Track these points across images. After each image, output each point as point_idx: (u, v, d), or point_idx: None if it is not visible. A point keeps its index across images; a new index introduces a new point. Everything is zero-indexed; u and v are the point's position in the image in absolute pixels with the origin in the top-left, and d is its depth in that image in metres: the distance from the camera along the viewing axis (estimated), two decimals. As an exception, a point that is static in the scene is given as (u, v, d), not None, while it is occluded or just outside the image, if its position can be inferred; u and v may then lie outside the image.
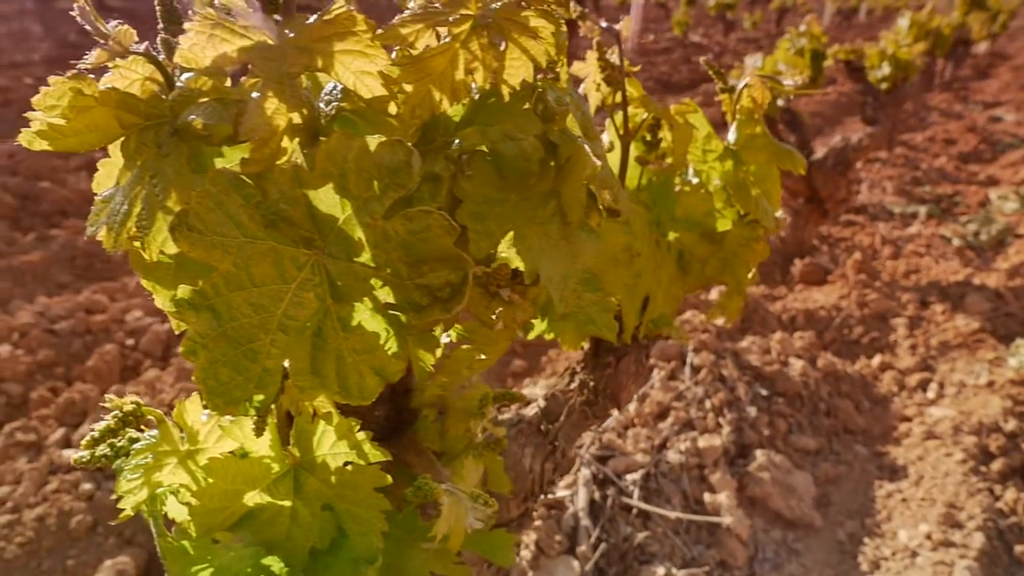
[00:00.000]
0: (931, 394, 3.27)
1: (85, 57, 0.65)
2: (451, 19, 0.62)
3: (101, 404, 2.31)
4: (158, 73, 0.70)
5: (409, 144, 0.60)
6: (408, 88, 0.63)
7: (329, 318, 0.65)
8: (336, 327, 0.66)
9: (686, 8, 14.60)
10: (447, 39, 0.63)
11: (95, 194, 0.73)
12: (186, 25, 0.59)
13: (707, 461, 2.60)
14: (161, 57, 0.69)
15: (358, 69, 0.62)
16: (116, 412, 0.74)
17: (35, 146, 0.65)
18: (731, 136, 1.47)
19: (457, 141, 0.65)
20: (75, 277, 3.88)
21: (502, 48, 0.63)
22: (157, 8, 0.67)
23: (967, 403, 3.14)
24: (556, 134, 0.65)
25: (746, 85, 1.46)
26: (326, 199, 0.61)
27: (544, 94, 0.65)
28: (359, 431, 0.75)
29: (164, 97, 0.67)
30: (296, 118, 0.61)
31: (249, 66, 0.61)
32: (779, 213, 1.49)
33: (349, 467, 0.76)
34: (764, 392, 3.05)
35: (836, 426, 3.06)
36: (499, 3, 0.63)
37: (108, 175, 0.74)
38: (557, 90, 0.66)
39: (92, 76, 0.66)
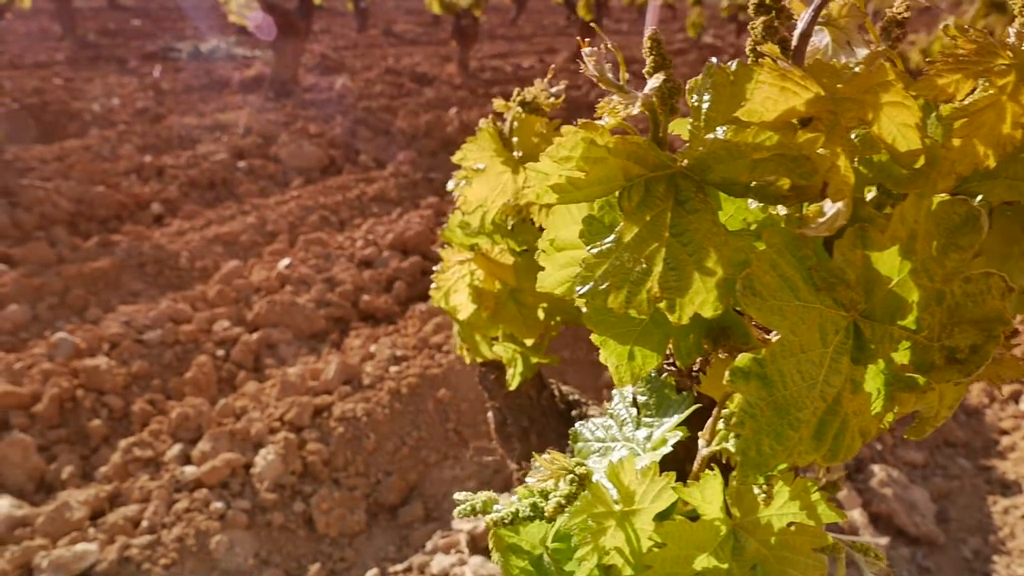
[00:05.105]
0: (1024, 406, 3.26)
1: (599, 105, 0.61)
2: (993, 69, 0.59)
3: (217, 421, 2.26)
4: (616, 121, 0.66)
5: (973, 203, 0.57)
6: (956, 142, 0.60)
7: (845, 381, 0.62)
8: (848, 390, 0.62)
9: (699, 10, 14.61)
10: (987, 90, 0.60)
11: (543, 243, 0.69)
12: (760, 77, 0.56)
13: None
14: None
15: (901, 122, 0.59)
16: (571, 475, 0.70)
17: (543, 199, 0.61)
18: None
19: (979, 196, 0.62)
20: (147, 284, 3.82)
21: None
22: (648, 56, 0.63)
23: (1065, 416, 3.13)
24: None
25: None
26: (887, 261, 0.58)
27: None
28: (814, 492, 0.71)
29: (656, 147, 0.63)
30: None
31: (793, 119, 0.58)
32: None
33: (792, 528, 0.73)
34: (866, 405, 3.03)
35: (937, 438, 3.04)
36: (1046, 53, 0.60)
37: (564, 223, 0.70)
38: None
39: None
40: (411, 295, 3.85)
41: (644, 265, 0.61)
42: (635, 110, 0.61)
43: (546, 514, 0.68)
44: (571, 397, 1.57)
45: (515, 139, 1.26)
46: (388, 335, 3.36)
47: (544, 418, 1.50)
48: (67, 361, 2.89)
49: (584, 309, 0.72)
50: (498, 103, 1.29)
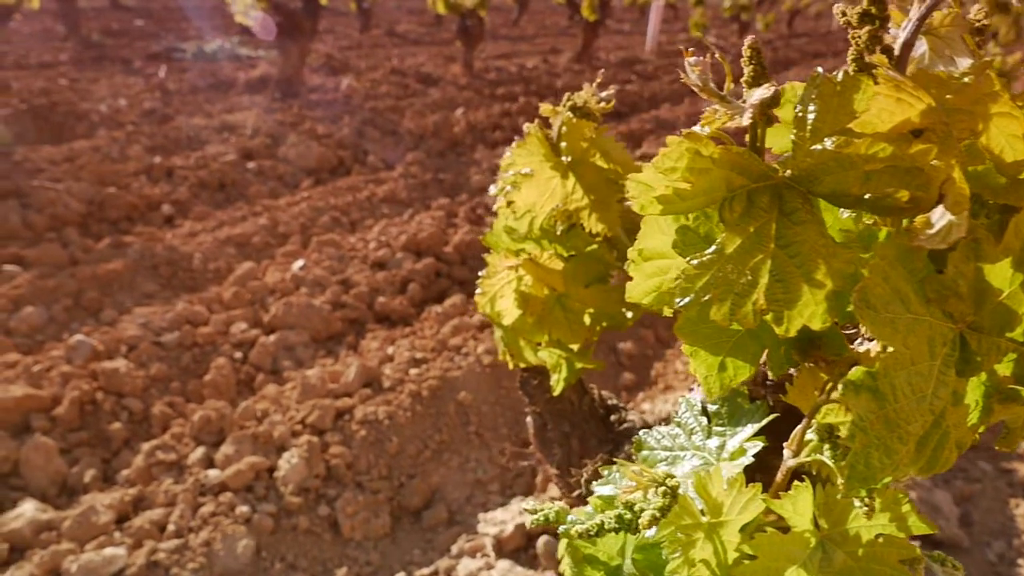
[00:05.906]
0: (1041, 408, 3.26)
1: (704, 115, 0.61)
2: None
3: (239, 424, 2.25)
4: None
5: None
6: (1065, 153, 0.59)
7: (950, 394, 0.62)
8: (950, 402, 0.62)
9: (701, 10, 14.61)
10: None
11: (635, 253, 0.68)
12: (876, 88, 0.55)
13: (852, 480, 2.58)
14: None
15: (1010, 132, 0.59)
16: (664, 487, 0.70)
17: (647, 210, 0.61)
18: None
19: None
20: (160, 286, 3.81)
21: None
22: (748, 65, 0.63)
23: (1083, 418, 3.13)
24: None
25: None
26: (1000, 273, 0.58)
27: None
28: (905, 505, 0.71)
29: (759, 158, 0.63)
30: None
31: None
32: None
33: (880, 539, 0.73)
34: (886, 407, 3.03)
35: (956, 441, 3.04)
36: None
37: (652, 233, 0.69)
38: None
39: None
40: (425, 297, 3.84)
41: (749, 277, 0.60)
42: (745, 121, 0.60)
43: (641, 527, 0.67)
44: (610, 402, 1.56)
45: (563, 144, 1.26)
46: (405, 337, 3.35)
47: (585, 423, 1.50)
48: (85, 363, 2.88)
49: (663, 318, 0.71)
50: (545, 108, 1.28)
